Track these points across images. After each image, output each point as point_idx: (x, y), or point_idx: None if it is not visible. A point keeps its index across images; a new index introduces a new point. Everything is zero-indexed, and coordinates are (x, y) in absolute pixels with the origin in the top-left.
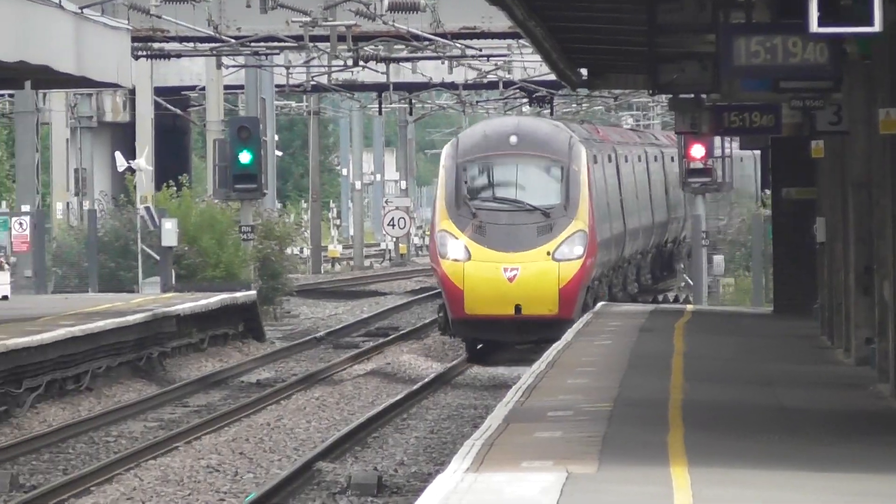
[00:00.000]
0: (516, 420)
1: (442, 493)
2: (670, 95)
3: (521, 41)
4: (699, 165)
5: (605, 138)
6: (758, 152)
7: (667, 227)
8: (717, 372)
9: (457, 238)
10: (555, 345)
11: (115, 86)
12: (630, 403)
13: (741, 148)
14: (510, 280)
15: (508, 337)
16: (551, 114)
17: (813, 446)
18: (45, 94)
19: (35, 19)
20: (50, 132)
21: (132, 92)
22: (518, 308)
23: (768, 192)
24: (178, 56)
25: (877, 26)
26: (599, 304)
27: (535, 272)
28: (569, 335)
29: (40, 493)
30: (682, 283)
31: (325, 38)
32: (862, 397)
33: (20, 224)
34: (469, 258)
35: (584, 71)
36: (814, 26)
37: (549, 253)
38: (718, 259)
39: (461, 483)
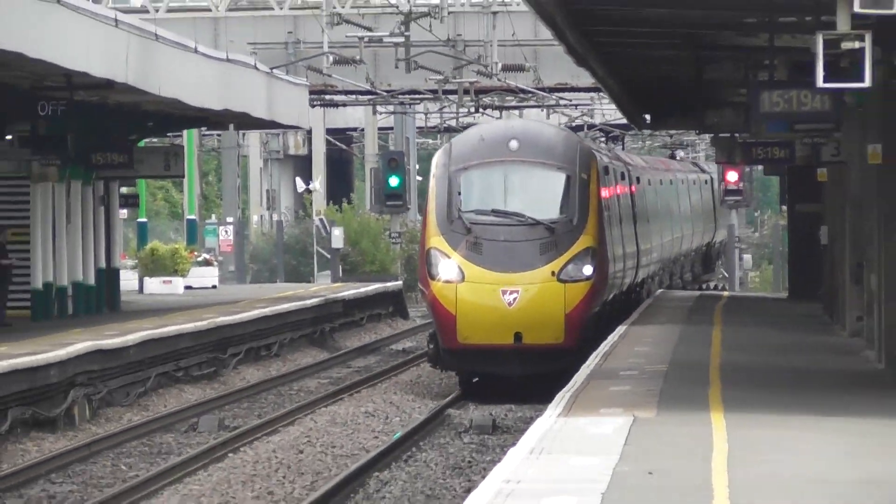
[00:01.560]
0: (595, 378)
1: (540, 431)
2: (712, 134)
3: (601, 94)
4: (734, 187)
5: (617, 158)
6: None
7: (703, 235)
8: (746, 342)
9: (449, 256)
10: (626, 321)
11: (297, 127)
12: (680, 365)
13: (765, 174)
14: (509, 304)
15: (507, 369)
16: (622, 149)
17: (819, 397)
18: (244, 134)
19: (236, 77)
20: (247, 162)
21: (309, 132)
22: (518, 336)
23: (784, 207)
24: (344, 105)
25: (867, 83)
26: (659, 291)
27: (537, 295)
28: (635, 315)
29: (240, 432)
30: (721, 276)
31: (454, 92)
32: (855, 361)
33: (225, 231)
34: (463, 279)
35: (647, 116)
36: (820, 82)
37: (553, 273)
38: (747, 257)
39: (555, 425)
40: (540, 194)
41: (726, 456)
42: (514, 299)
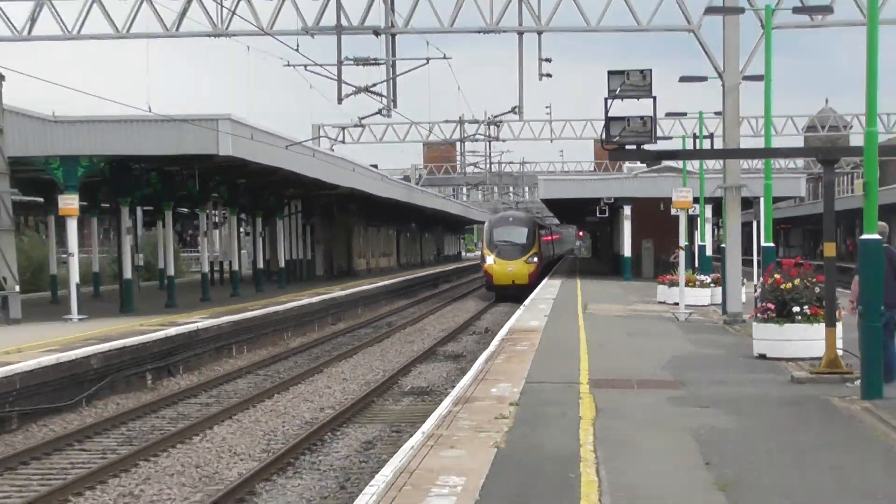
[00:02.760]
0: (551, 277)
1: (533, 295)
2: (576, 224)
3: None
4: (580, 238)
5: (543, 223)
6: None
7: (571, 247)
8: (584, 267)
9: (490, 255)
10: (556, 266)
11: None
12: (569, 272)
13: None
14: (510, 271)
15: (509, 293)
16: (557, 225)
17: (603, 278)
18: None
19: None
20: None
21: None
22: (513, 281)
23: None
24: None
25: (607, 214)
26: (565, 258)
27: (519, 267)
28: (559, 263)
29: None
30: (578, 253)
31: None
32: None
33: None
34: (494, 263)
35: (564, 220)
36: (598, 214)
37: (525, 261)
38: (585, 250)
39: (538, 291)
40: (519, 235)
41: (580, 288)
42: (511, 269)
